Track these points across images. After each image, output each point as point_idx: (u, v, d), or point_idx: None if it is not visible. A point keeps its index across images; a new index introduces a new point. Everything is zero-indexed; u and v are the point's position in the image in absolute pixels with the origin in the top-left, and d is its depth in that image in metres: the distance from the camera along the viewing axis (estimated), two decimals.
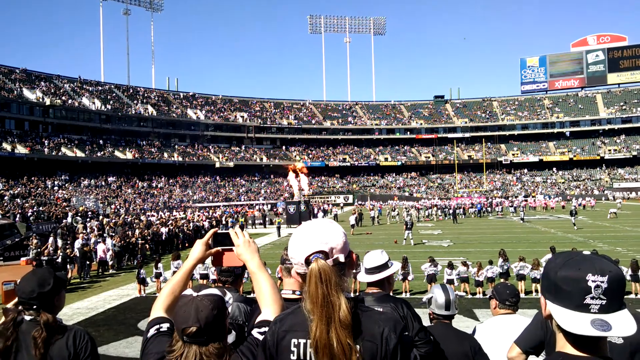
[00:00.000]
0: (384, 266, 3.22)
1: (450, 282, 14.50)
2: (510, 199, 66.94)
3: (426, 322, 3.51)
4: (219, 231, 2.21)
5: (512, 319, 3.67)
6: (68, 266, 19.41)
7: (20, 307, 2.62)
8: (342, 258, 1.69)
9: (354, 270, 1.85)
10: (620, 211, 45.41)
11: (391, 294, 3.36)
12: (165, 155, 72.96)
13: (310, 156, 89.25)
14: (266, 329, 1.76)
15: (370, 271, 3.24)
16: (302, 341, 1.63)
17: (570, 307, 1.33)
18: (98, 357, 2.67)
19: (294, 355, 1.63)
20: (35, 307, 2.57)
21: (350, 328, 1.55)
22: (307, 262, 1.67)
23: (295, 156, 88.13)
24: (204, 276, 15.14)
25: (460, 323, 3.65)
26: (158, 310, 2.04)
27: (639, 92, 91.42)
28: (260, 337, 1.76)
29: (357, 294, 3.21)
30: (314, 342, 1.56)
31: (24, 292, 2.58)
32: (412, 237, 27.53)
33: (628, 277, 13.78)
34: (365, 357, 1.56)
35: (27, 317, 2.58)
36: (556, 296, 1.37)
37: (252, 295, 2.29)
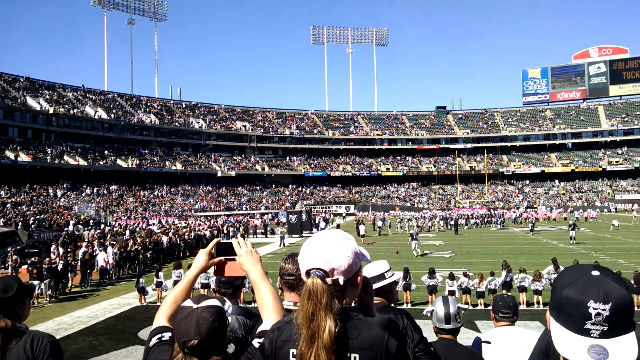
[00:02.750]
0: (381, 277, 3.21)
1: (452, 293, 14.47)
2: (512, 210, 66.83)
3: (430, 335, 3.50)
4: (222, 241, 2.23)
5: (510, 331, 3.65)
6: (69, 274, 19.40)
7: None
8: (341, 280, 1.65)
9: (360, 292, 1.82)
10: (633, 223, 45.19)
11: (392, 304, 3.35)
12: (167, 164, 73.08)
13: (312, 166, 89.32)
14: None
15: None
16: None
17: (572, 329, 1.29)
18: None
19: None
20: None
21: (332, 350, 1.53)
22: (308, 274, 1.67)
23: (297, 166, 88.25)
24: (205, 285, 15.11)
25: (462, 335, 3.63)
26: (160, 319, 2.05)
27: None
28: None
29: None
30: (299, 357, 1.58)
31: None
32: (417, 247, 27.52)
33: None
34: None
35: None
36: (559, 315, 1.34)
37: (252, 305, 2.30)
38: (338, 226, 48.51)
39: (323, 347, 1.53)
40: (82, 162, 60.83)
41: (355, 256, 1.71)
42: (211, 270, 2.26)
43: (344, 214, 70.76)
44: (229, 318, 2.75)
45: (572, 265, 1.45)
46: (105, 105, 72.33)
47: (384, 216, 56.05)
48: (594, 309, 1.26)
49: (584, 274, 1.34)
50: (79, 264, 20.92)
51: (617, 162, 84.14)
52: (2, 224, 33.49)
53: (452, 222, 44.91)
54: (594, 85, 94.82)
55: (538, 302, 14.67)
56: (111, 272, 22.27)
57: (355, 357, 1.57)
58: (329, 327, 1.54)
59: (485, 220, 52.33)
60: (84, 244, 24.27)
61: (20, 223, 35.76)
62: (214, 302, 1.78)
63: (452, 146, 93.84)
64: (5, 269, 23.40)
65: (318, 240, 1.73)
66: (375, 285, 3.22)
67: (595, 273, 1.33)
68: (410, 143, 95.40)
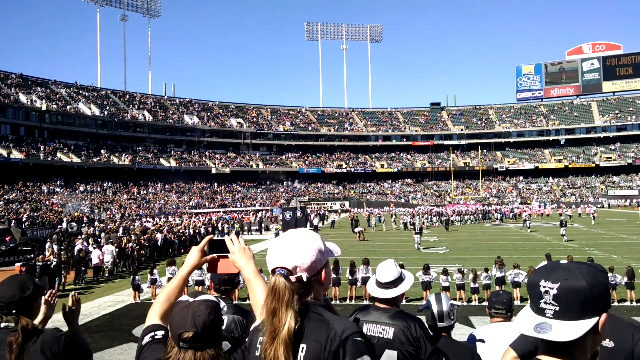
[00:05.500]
0: (399, 279, 3.07)
1: (446, 289, 14.50)
2: (507, 205, 67.04)
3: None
4: (215, 238, 2.21)
5: (504, 327, 3.62)
6: (63, 272, 19.31)
7: None
8: (304, 277, 1.73)
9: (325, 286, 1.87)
10: (620, 219, 45.42)
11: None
12: (162, 160, 72.83)
13: (307, 162, 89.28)
14: None
15: (385, 285, 3.05)
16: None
17: (533, 310, 1.39)
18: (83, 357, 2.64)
19: (257, 352, 1.72)
20: (14, 311, 2.55)
21: (290, 346, 1.61)
22: (273, 273, 1.75)
23: (291, 162, 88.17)
24: (199, 282, 15.08)
25: (456, 330, 3.64)
26: (153, 317, 2.04)
27: (634, 100, 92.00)
28: None
29: (367, 304, 3.17)
30: (263, 352, 1.65)
31: (4, 296, 2.56)
32: (419, 240, 28.65)
33: (623, 284, 13.79)
34: (308, 356, 1.62)
35: (2, 325, 2.54)
36: (529, 299, 1.45)
37: (248, 301, 2.31)
38: (332, 222, 48.58)
39: (282, 342, 1.61)
40: (75, 159, 60.53)
41: (319, 253, 1.78)
42: (205, 266, 2.25)
43: (339, 211, 70.76)
44: (225, 317, 2.76)
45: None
46: (99, 102, 71.96)
47: (379, 212, 56.13)
48: (543, 287, 1.36)
49: (553, 263, 1.44)
50: (72, 261, 20.83)
51: (610, 158, 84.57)
52: None
53: (444, 219, 45.05)
54: (587, 81, 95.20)
55: None
56: (105, 268, 22.15)
57: (303, 347, 1.63)
58: (288, 324, 1.62)
59: (480, 216, 52.47)
60: (80, 241, 24.12)
61: (13, 220, 35.58)
62: (211, 297, 1.80)
63: (446, 142, 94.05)
64: (20, 261, 23.03)
65: (282, 240, 1.83)
66: (395, 292, 3.05)
67: (563, 262, 1.43)
68: (404, 139, 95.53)
